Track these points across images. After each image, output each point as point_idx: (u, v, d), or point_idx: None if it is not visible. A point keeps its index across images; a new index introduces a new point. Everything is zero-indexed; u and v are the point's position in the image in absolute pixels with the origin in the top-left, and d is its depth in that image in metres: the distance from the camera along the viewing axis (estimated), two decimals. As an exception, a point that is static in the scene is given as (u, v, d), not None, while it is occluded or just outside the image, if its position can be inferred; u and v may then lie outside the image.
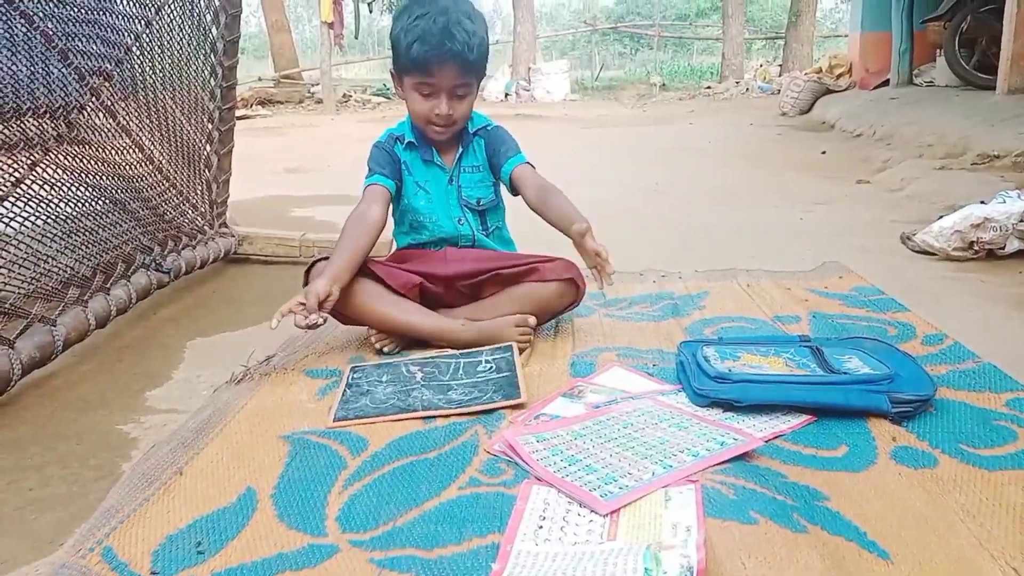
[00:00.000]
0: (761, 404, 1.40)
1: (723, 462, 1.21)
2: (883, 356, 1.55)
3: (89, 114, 1.82)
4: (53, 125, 1.68)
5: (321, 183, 4.84)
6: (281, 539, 1.08)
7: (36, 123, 1.68)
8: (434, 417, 1.43)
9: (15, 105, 1.64)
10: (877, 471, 1.21)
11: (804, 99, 8.44)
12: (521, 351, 1.70)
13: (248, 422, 1.45)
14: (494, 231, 1.98)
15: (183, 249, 2.34)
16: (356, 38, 14.84)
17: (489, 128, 1.93)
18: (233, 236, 2.71)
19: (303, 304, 1.61)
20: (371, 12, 14.22)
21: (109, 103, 1.89)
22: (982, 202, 2.52)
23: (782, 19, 21.34)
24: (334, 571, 1.01)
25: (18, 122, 1.66)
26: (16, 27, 1.57)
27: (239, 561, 1.04)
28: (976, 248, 2.36)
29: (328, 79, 12.00)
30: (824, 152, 5.37)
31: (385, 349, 1.78)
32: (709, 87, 13.98)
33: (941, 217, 2.51)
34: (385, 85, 15.49)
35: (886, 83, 7.87)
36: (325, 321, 1.66)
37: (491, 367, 1.63)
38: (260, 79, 14.49)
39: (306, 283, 1.81)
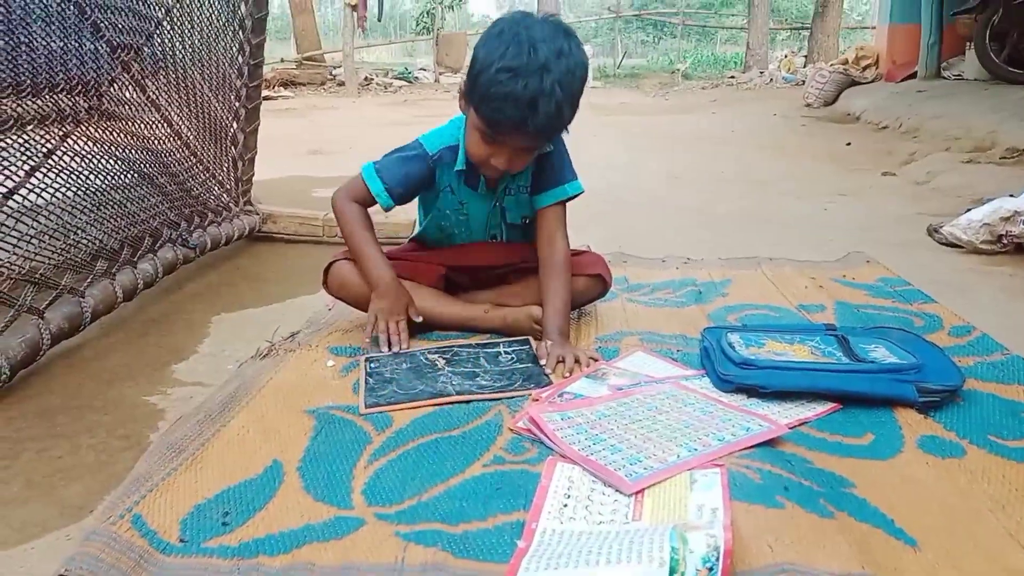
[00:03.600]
0: (786, 391, 1.39)
1: (748, 447, 1.20)
2: (910, 346, 1.54)
3: (119, 87, 1.83)
4: (84, 98, 1.69)
5: (343, 165, 4.84)
6: (308, 511, 1.09)
7: (68, 96, 1.69)
8: (487, 403, 1.42)
9: (48, 78, 1.66)
10: (904, 460, 1.20)
11: (829, 90, 8.34)
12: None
13: (273, 396, 1.46)
14: (525, 233, 1.86)
15: (208, 225, 2.36)
16: (379, 21, 14.82)
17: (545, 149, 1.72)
18: (257, 214, 2.72)
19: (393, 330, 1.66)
20: (394, -5, 14.14)
21: (139, 77, 1.90)
22: (1011, 195, 2.48)
23: (807, 9, 21.09)
24: (360, 543, 1.01)
25: (51, 95, 1.67)
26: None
27: (266, 532, 1.05)
28: (1005, 242, 2.33)
29: (350, 61, 12.01)
30: (849, 144, 5.32)
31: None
32: (733, 76, 13.86)
33: (969, 210, 2.48)
34: (407, 68, 15.48)
35: (913, 76, 7.77)
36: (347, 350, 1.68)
37: (512, 357, 1.63)
38: (282, 60, 14.49)
39: (325, 281, 1.79)
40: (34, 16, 1.62)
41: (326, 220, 2.75)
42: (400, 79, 14.17)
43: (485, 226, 1.81)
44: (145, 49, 1.92)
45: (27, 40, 1.61)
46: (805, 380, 1.40)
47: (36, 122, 1.65)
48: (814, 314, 1.85)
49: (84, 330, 1.77)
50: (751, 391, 1.40)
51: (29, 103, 1.63)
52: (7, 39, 1.48)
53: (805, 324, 1.76)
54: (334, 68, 14.17)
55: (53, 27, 1.64)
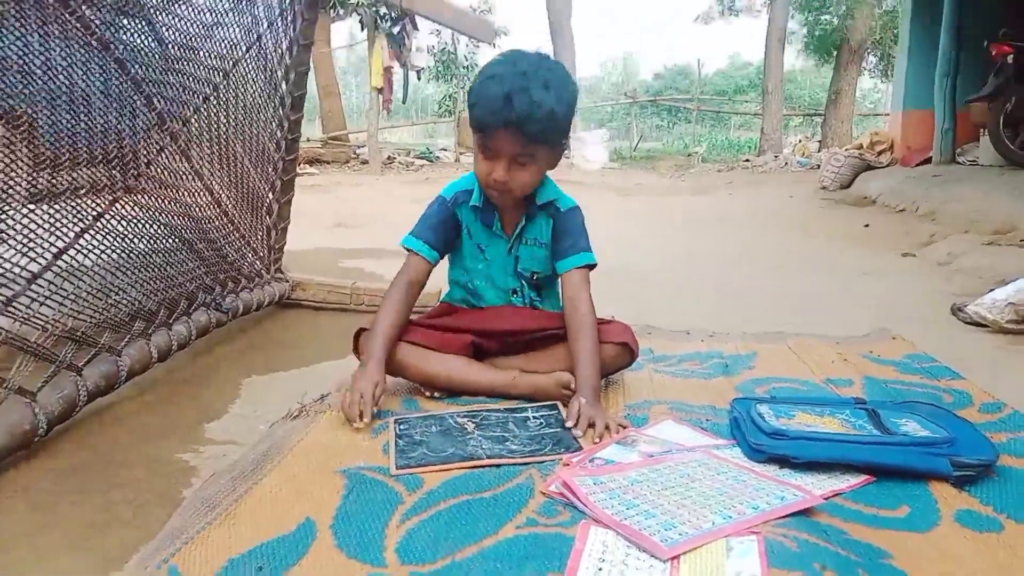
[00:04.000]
0: (818, 462, 1.38)
1: (783, 516, 1.20)
2: (941, 421, 1.53)
3: (167, 156, 1.92)
4: (134, 165, 1.77)
5: (369, 237, 4.94)
6: (340, 568, 1.09)
7: (120, 165, 1.77)
8: (518, 467, 1.42)
9: (103, 150, 1.74)
10: (941, 533, 1.19)
11: (845, 174, 8.46)
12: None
13: (304, 457, 1.47)
14: (547, 298, 1.96)
15: (241, 291, 2.41)
16: (404, 103, 15.30)
17: (562, 209, 1.86)
18: (287, 282, 2.78)
19: (358, 408, 1.61)
20: (419, 79, 14.66)
21: (185, 147, 1.99)
22: (1036, 276, 2.50)
23: (819, 97, 21.58)
24: (395, 602, 1.01)
25: (106, 166, 1.75)
26: (111, 73, 1.67)
27: (301, 587, 1.05)
28: (1030, 321, 2.33)
29: (375, 141, 12.36)
30: (867, 225, 5.37)
31: (436, 395, 1.80)
32: (747, 160, 14.10)
33: (992, 289, 2.49)
34: (428, 148, 15.90)
35: (928, 161, 7.87)
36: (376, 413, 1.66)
37: (540, 422, 1.64)
38: (308, 140, 14.94)
39: (355, 348, 1.83)
40: (94, 93, 1.71)
41: (354, 289, 2.80)
42: (422, 158, 14.52)
43: (504, 275, 1.89)
44: (192, 121, 2.01)
45: (86, 114, 1.70)
46: (837, 451, 1.40)
47: (89, 190, 1.72)
48: (842, 388, 1.85)
49: (119, 388, 1.80)
50: (783, 461, 1.40)
51: (84, 172, 1.70)
52: (70, 115, 1.56)
53: (834, 397, 1.76)
54: (358, 147, 14.58)
55: (111, 101, 1.72)
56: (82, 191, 1.61)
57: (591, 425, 1.56)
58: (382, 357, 1.71)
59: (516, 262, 1.89)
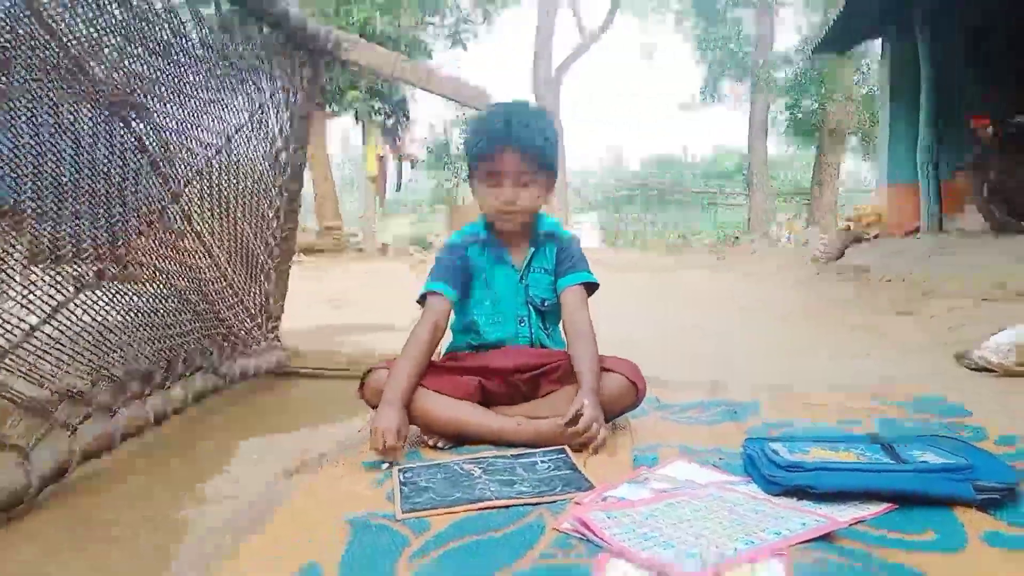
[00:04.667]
0: (838, 491, 1.34)
1: (807, 541, 1.15)
2: (960, 451, 1.50)
3: (170, 216, 1.93)
4: (137, 222, 1.77)
5: (365, 316, 4.93)
6: (349, 609, 1.04)
7: (123, 223, 1.78)
8: (527, 508, 1.37)
9: (107, 211, 1.75)
10: (973, 552, 1.14)
11: (834, 247, 8.57)
12: (572, 445, 1.66)
13: (306, 507, 1.42)
14: (552, 332, 2.00)
15: (239, 357, 2.38)
16: (398, 191, 15.56)
17: (563, 237, 1.99)
18: (284, 350, 2.75)
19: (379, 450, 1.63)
20: (412, 168, 15.00)
21: (187, 209, 2.00)
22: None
23: (803, 179, 22.08)
24: (407, 636, 0.96)
25: (108, 224, 1.76)
26: (116, 135, 1.70)
27: (307, 627, 0.99)
28: (1036, 363, 2.31)
29: (370, 228, 12.50)
30: (860, 294, 5.39)
31: (440, 444, 1.76)
32: (737, 237, 14.30)
33: (996, 333, 2.48)
34: (423, 239, 16.10)
35: (916, 230, 8.00)
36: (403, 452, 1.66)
37: (549, 465, 1.60)
38: (303, 229, 15.12)
39: (361, 386, 1.82)
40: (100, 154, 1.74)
41: (351, 358, 2.77)
42: (416, 247, 14.68)
43: (514, 304, 1.94)
44: (194, 183, 2.03)
45: (90, 176, 1.72)
46: (857, 480, 1.35)
47: (92, 252, 1.73)
48: (855, 428, 1.82)
49: (111, 451, 1.75)
50: (801, 493, 1.35)
51: (86, 232, 1.71)
52: (89, 188, 1.58)
53: (848, 434, 1.72)
54: (352, 236, 14.74)
55: (113, 160, 1.75)
56: (84, 244, 1.61)
57: (586, 433, 1.63)
58: (403, 400, 1.71)
59: (527, 290, 1.95)
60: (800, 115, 16.86)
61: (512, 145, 1.82)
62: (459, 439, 1.77)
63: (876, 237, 8.75)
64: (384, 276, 8.47)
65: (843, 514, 1.28)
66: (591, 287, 1.97)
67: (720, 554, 1.11)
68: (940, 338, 3.20)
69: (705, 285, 6.60)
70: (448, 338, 2.01)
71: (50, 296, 1.55)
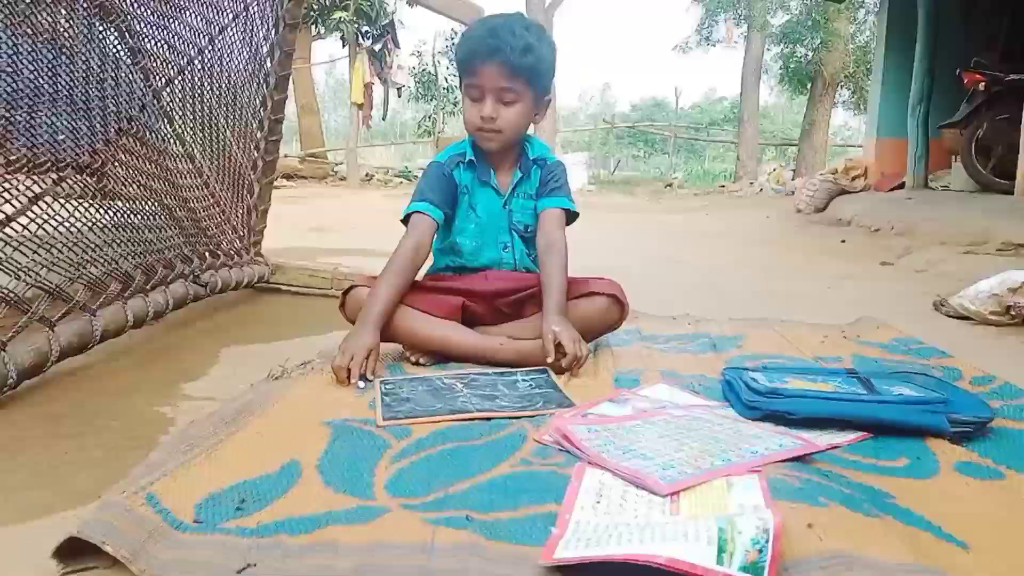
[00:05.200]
0: (815, 418, 1.36)
1: (784, 460, 1.17)
2: (935, 386, 1.52)
3: (149, 115, 1.87)
4: (116, 119, 1.72)
5: (347, 240, 4.89)
6: (328, 500, 1.04)
7: (101, 117, 1.72)
8: (507, 420, 1.38)
9: (85, 98, 1.69)
10: (942, 479, 1.17)
11: (820, 198, 8.56)
12: (559, 373, 1.66)
13: (288, 409, 1.42)
14: (535, 259, 1.95)
15: (220, 267, 2.35)
16: (384, 119, 15.30)
17: (549, 162, 1.92)
18: (267, 265, 2.72)
19: (347, 369, 1.56)
20: (399, 97, 14.70)
21: (168, 108, 1.94)
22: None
23: (792, 132, 22.00)
24: (386, 527, 0.97)
25: (87, 118, 1.70)
26: (95, 36, 1.63)
27: (286, 515, 1.00)
28: (1013, 313, 2.34)
29: (354, 156, 12.31)
30: (844, 241, 5.42)
31: (422, 360, 1.76)
32: (723, 186, 14.27)
33: (976, 282, 2.50)
34: (407, 167, 15.90)
35: (901, 186, 8.01)
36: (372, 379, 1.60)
37: (530, 384, 1.60)
38: (286, 156, 14.87)
39: (343, 304, 1.80)
40: (79, 44, 1.67)
41: (335, 273, 2.75)
42: (400, 177, 14.50)
43: (496, 230, 1.89)
44: (176, 82, 1.96)
45: (69, 67, 1.66)
46: (834, 408, 1.37)
47: (68, 137, 1.67)
48: (832, 364, 1.84)
49: (91, 350, 1.73)
50: (779, 419, 1.37)
51: (64, 120, 1.65)
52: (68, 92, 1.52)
53: (827, 368, 1.74)
54: (336, 165, 14.53)
55: (92, 51, 1.68)
56: (60, 137, 1.56)
57: (559, 347, 1.61)
58: (379, 322, 1.67)
59: (510, 216, 1.89)
60: (794, 63, 16.69)
61: (494, 58, 1.72)
62: (442, 357, 1.76)
63: (862, 191, 8.76)
64: (367, 205, 8.37)
65: (819, 439, 1.30)
66: (570, 216, 1.91)
67: (697, 467, 1.12)
68: (920, 287, 3.23)
69: (690, 230, 6.60)
70: (429, 261, 1.98)
71: (27, 187, 1.51)
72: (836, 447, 1.28)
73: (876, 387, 1.52)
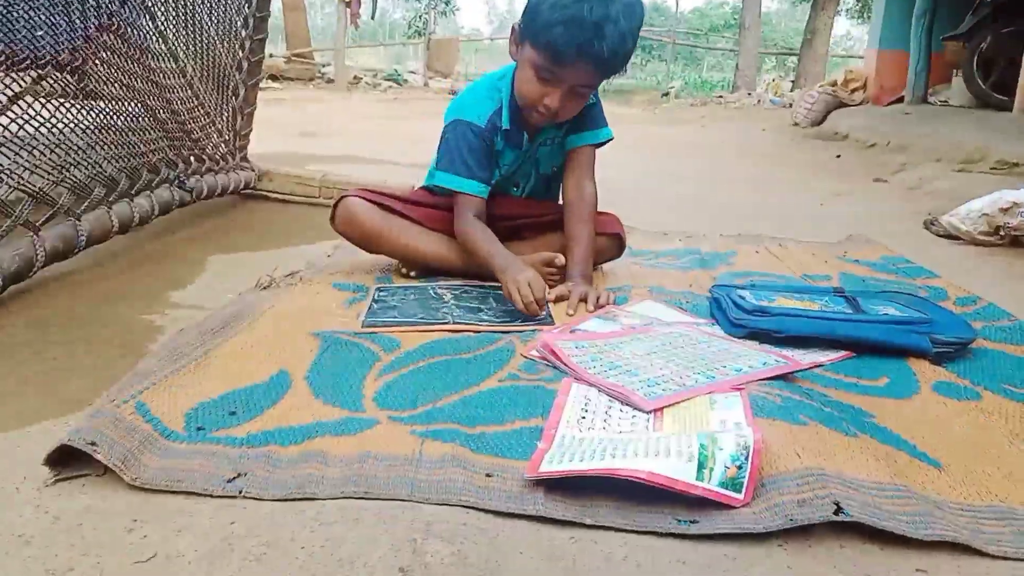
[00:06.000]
0: (800, 336, 1.37)
1: (766, 378, 1.19)
2: (919, 307, 1.54)
3: (130, 9, 1.79)
4: (96, 14, 1.65)
5: (335, 146, 4.80)
6: (318, 412, 1.06)
7: (81, 12, 1.65)
8: (467, 332, 1.39)
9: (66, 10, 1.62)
10: (921, 400, 1.19)
11: (817, 111, 8.43)
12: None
13: (276, 321, 1.42)
14: (552, 190, 1.88)
15: (205, 173, 2.31)
16: (372, 19, 14.80)
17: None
18: (253, 170, 2.68)
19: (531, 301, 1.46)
20: (389, -4, 14.16)
21: (150, 3, 1.86)
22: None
23: (793, 41, 21.46)
24: (374, 439, 0.98)
25: (66, 11, 1.63)
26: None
27: (276, 425, 1.01)
28: (1002, 234, 2.34)
29: (341, 57, 11.97)
30: (839, 156, 5.37)
31: (412, 273, 1.75)
32: (721, 97, 14.00)
33: (968, 201, 2.49)
34: (397, 71, 15.48)
35: (900, 100, 7.88)
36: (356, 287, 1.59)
37: (520, 298, 1.60)
38: (271, 56, 14.40)
39: (332, 216, 1.75)
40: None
41: (323, 180, 2.71)
42: (389, 80, 14.14)
43: (511, 177, 1.79)
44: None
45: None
46: (820, 327, 1.39)
47: (46, 32, 1.61)
48: (820, 282, 1.85)
49: (77, 255, 1.72)
50: (764, 337, 1.39)
51: (41, 14, 1.58)
52: None
53: (814, 286, 1.75)
54: (323, 66, 14.12)
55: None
56: (39, 31, 1.50)
57: (583, 299, 1.55)
58: (514, 258, 1.57)
59: (532, 163, 1.79)
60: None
61: (589, 59, 1.48)
62: (433, 271, 1.75)
63: (860, 104, 8.62)
64: (355, 110, 8.19)
65: (803, 358, 1.32)
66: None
67: (681, 384, 1.14)
68: (912, 205, 3.22)
69: (684, 142, 6.51)
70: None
71: (6, 86, 1.46)
72: (819, 365, 1.30)
73: (862, 306, 1.53)
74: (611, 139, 1.80)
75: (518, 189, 1.85)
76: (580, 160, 1.75)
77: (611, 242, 1.82)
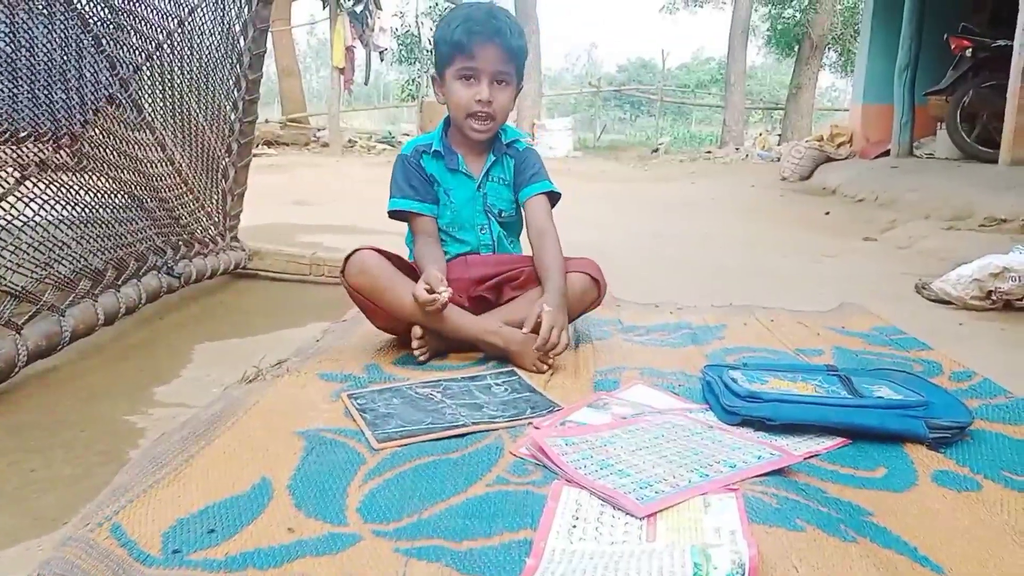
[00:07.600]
0: (794, 424, 1.35)
1: (761, 475, 1.16)
2: (914, 386, 1.52)
3: (116, 106, 1.81)
4: (81, 111, 1.66)
5: (328, 215, 4.83)
6: (299, 527, 1.02)
7: (65, 110, 1.66)
8: (487, 431, 1.35)
9: (47, 94, 1.63)
10: (919, 492, 1.16)
11: (805, 165, 8.55)
12: (531, 371, 1.65)
13: (261, 418, 1.39)
14: (513, 241, 1.99)
15: (195, 256, 2.31)
16: (366, 84, 15.05)
17: (520, 149, 1.93)
18: (244, 250, 2.68)
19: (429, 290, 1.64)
20: (382, 60, 14.44)
21: (136, 96, 1.88)
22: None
23: (779, 94, 21.87)
24: (357, 559, 0.95)
25: (50, 109, 1.64)
26: (56, 15, 1.57)
27: (255, 546, 0.98)
28: (994, 298, 2.34)
29: (336, 122, 12.13)
30: (828, 213, 5.41)
31: (422, 358, 1.73)
32: (709, 152, 14.19)
33: (958, 266, 2.50)
34: (390, 133, 15.70)
35: (886, 153, 7.99)
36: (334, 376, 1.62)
37: (506, 388, 1.57)
38: (267, 121, 14.61)
39: (343, 271, 1.76)
40: (39, 36, 1.60)
41: (313, 259, 2.71)
42: (383, 143, 14.32)
43: (472, 213, 1.91)
44: (144, 69, 1.90)
45: (29, 57, 1.59)
46: (814, 413, 1.36)
47: (29, 135, 1.62)
48: (813, 358, 1.83)
49: (61, 351, 1.70)
50: (758, 424, 1.36)
51: (25, 114, 1.59)
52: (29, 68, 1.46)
53: (807, 365, 1.73)
54: (318, 131, 14.31)
55: (53, 39, 1.61)
56: (23, 134, 1.50)
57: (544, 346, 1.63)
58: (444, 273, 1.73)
59: (484, 199, 1.91)
60: (781, 24, 16.53)
61: (494, 40, 1.74)
62: (439, 343, 1.76)
63: (847, 158, 8.74)
64: (350, 175, 8.27)
65: (798, 447, 1.29)
66: (553, 197, 1.91)
67: (674, 485, 1.11)
68: (902, 266, 3.23)
69: (674, 199, 6.56)
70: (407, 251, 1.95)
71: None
72: (815, 455, 1.28)
73: (856, 386, 1.51)
74: (559, 194, 1.92)
75: (484, 233, 1.93)
76: (536, 209, 1.86)
77: (588, 283, 1.83)
